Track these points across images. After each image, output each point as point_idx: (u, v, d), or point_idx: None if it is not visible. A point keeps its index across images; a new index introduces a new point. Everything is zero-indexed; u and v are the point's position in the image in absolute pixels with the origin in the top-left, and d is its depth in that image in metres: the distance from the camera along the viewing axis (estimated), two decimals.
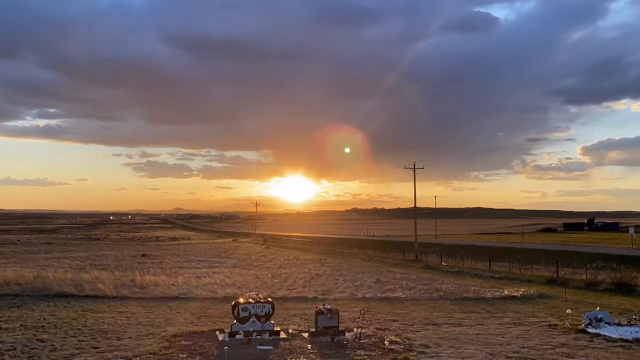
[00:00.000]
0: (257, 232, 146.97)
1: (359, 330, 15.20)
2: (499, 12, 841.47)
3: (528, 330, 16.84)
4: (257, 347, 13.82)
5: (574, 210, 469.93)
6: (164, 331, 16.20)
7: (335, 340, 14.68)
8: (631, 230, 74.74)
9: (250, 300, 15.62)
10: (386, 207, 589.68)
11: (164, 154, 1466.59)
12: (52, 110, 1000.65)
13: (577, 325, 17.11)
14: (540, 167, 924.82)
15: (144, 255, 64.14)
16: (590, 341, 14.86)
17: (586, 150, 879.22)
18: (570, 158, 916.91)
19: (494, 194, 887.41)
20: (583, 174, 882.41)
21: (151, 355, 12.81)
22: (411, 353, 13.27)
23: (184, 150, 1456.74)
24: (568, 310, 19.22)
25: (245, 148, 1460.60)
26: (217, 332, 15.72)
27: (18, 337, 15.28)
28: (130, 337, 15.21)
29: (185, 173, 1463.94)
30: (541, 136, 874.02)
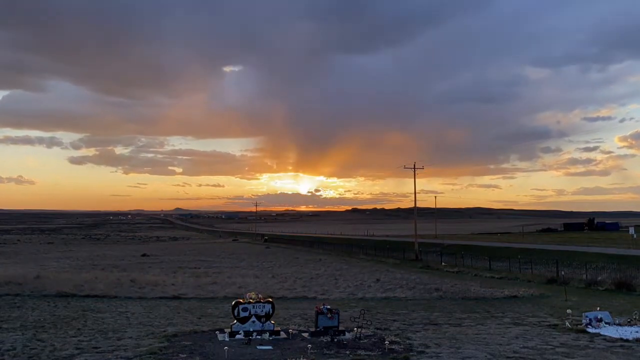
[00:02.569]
0: (257, 231, 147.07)
1: (359, 330, 15.19)
2: None
3: (528, 330, 16.83)
4: (257, 347, 13.81)
5: (575, 210, 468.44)
6: (164, 331, 16.20)
7: (336, 340, 14.67)
8: (631, 230, 74.73)
9: (251, 300, 15.60)
10: (386, 207, 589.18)
11: (121, 145, 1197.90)
12: None
13: (577, 325, 17.10)
14: (575, 161, 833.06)
15: (144, 255, 64.26)
16: (590, 341, 14.85)
17: (635, 137, 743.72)
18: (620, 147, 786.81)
19: (506, 192, 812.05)
20: (617, 166, 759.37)
21: (151, 355, 12.79)
22: (411, 353, 13.26)
23: (147, 138, 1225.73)
24: (568, 310, 19.20)
25: (229, 134, 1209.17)
26: (217, 332, 15.70)
27: (18, 337, 15.27)
28: (130, 337, 15.20)
29: (160, 168, 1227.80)
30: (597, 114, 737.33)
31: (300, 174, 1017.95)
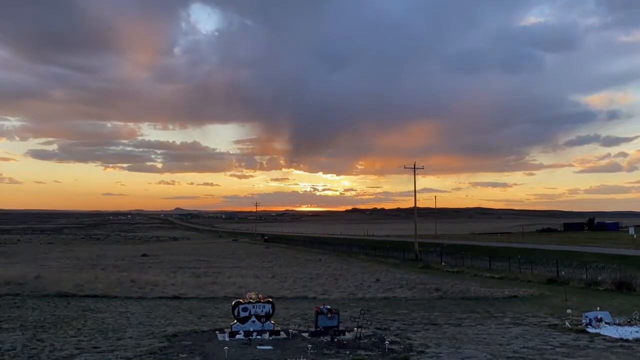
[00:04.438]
0: (257, 231, 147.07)
1: (359, 330, 15.19)
2: None
3: (528, 330, 16.83)
4: (257, 347, 13.81)
5: (575, 210, 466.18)
6: (164, 331, 16.20)
7: (336, 340, 14.68)
8: (631, 230, 74.80)
9: (251, 300, 15.60)
10: (386, 207, 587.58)
11: (80, 135, 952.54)
12: None
13: (577, 325, 17.10)
14: (608, 154, 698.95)
15: (144, 255, 64.27)
16: (590, 341, 14.85)
17: None
18: None
19: (517, 191, 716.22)
20: None
21: (151, 355, 12.80)
22: (411, 353, 13.27)
23: (112, 125, 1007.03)
24: (568, 310, 19.21)
25: (212, 118, 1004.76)
26: (217, 332, 15.71)
27: (18, 337, 15.27)
28: (131, 337, 15.20)
29: (139, 164, 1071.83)
30: None
31: (300, 172, 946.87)
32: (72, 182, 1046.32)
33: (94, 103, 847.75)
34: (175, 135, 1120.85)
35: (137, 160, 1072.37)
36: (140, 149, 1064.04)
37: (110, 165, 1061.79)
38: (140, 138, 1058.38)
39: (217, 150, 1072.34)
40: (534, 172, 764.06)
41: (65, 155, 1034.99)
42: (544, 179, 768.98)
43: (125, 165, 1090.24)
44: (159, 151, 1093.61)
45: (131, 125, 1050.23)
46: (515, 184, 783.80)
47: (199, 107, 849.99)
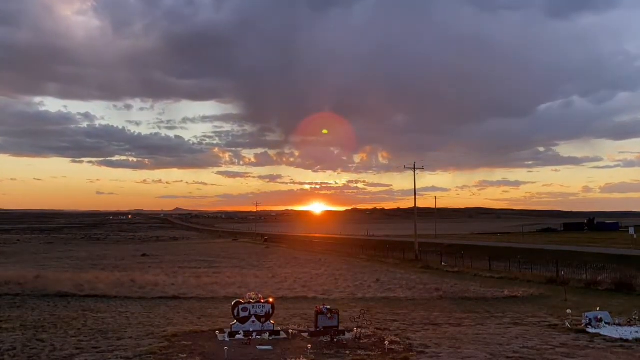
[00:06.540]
0: (257, 231, 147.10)
1: (359, 330, 15.19)
2: None
3: (528, 330, 16.85)
4: (257, 347, 13.82)
5: (574, 210, 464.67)
6: (164, 331, 16.21)
7: (335, 340, 14.68)
8: (631, 230, 74.83)
9: (251, 300, 15.62)
10: (386, 207, 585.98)
11: (13, 117, 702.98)
12: None
13: (577, 325, 17.11)
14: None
15: (144, 255, 64.26)
16: (590, 341, 14.86)
17: None
18: None
19: (529, 189, 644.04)
20: None
21: (151, 355, 12.81)
22: (411, 353, 13.28)
23: (56, 103, 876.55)
24: (568, 310, 19.20)
25: (191, 93, 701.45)
26: (217, 332, 15.71)
27: (18, 337, 15.29)
28: (130, 337, 15.21)
29: (105, 159, 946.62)
30: None
31: (297, 169, 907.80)
32: (51, 180, 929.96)
33: (17, 69, 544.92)
34: (142, 117, 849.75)
35: (103, 154, 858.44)
36: (96, 139, 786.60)
37: (77, 160, 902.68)
38: (97, 123, 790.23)
39: (199, 142, 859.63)
40: (558, 167, 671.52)
41: (17, 147, 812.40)
42: (565, 177, 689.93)
43: (94, 160, 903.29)
44: (126, 144, 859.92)
45: (80, 104, 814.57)
46: (530, 182, 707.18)
47: (167, 77, 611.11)
